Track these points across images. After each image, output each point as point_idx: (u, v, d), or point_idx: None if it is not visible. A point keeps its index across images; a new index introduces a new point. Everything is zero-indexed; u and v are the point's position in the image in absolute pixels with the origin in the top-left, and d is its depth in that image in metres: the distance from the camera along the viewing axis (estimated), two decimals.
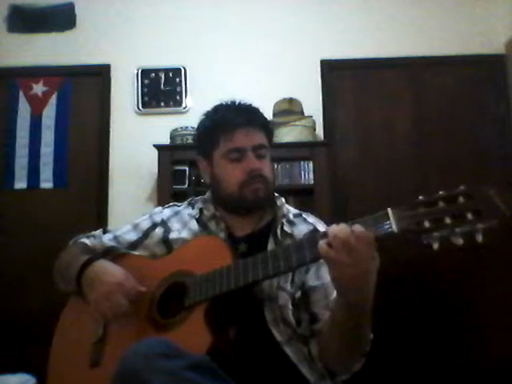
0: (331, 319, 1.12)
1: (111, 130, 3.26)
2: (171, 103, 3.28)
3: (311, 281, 1.26)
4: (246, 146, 1.31)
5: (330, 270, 1.00)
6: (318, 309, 1.23)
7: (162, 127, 3.11)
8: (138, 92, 3.28)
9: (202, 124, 1.41)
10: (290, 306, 1.23)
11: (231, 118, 1.32)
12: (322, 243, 0.98)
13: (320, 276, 1.26)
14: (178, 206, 1.47)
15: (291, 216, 1.37)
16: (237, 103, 1.38)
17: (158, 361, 0.90)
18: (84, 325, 1.31)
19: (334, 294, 1.22)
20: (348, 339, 1.09)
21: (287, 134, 2.89)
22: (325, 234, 1.00)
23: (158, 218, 1.43)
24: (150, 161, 2.96)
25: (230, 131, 1.31)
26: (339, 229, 0.97)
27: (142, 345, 0.96)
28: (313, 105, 3.14)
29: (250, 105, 1.39)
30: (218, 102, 1.42)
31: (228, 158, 1.32)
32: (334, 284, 1.03)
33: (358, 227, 0.95)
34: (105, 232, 1.48)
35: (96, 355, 1.24)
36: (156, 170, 2.92)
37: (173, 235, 1.36)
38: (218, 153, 1.34)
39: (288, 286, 1.24)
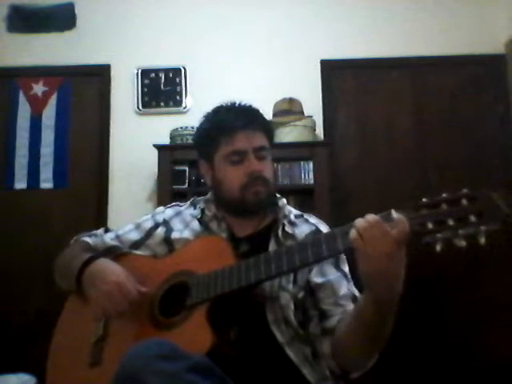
0: (356, 316, 1.10)
1: (111, 129, 3.26)
2: (171, 103, 3.28)
3: (316, 278, 1.26)
4: (247, 148, 1.31)
5: (363, 265, 0.98)
6: (327, 306, 1.22)
7: (162, 127, 3.11)
8: (138, 92, 3.28)
9: (201, 126, 1.41)
10: (292, 307, 1.23)
11: (231, 120, 1.32)
12: (354, 234, 0.96)
13: (324, 273, 1.26)
14: (180, 206, 1.47)
15: (293, 217, 1.37)
16: (237, 105, 1.38)
17: (157, 363, 0.90)
18: (84, 324, 1.31)
19: (343, 289, 1.23)
20: (372, 336, 1.07)
21: (287, 134, 2.89)
22: (351, 228, 0.98)
23: (160, 218, 1.43)
24: (150, 161, 2.96)
25: (230, 133, 1.31)
26: (367, 218, 0.96)
27: (141, 346, 0.96)
28: (313, 105, 3.14)
29: (250, 106, 1.39)
30: (217, 103, 1.41)
31: (229, 161, 1.32)
32: (365, 278, 1.01)
33: (396, 214, 0.94)
34: (106, 231, 1.48)
35: (96, 354, 1.24)
36: (156, 170, 2.92)
37: (175, 235, 1.36)
38: (219, 155, 1.34)
39: (290, 286, 1.24)
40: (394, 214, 0.95)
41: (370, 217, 0.96)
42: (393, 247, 0.94)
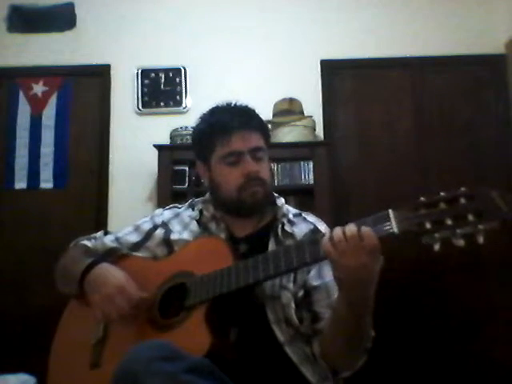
0: (333, 317, 1.13)
1: (111, 129, 3.26)
2: (171, 103, 3.28)
3: (313, 280, 1.26)
4: (243, 149, 1.30)
5: (333, 270, 1.02)
6: (319, 308, 1.23)
7: (162, 127, 3.11)
8: (138, 92, 3.27)
9: (197, 127, 1.41)
10: (293, 305, 1.23)
11: (227, 121, 1.31)
12: (326, 244, 0.99)
13: (322, 275, 1.26)
14: (179, 208, 1.47)
15: (291, 216, 1.37)
16: (232, 105, 1.37)
17: (156, 364, 0.90)
18: (84, 326, 1.31)
19: (336, 292, 1.23)
20: (350, 336, 1.10)
21: (287, 134, 2.89)
22: (329, 235, 1.01)
23: (158, 220, 1.43)
24: (150, 161, 2.96)
25: (226, 135, 1.30)
26: (344, 230, 0.98)
27: (140, 347, 0.96)
28: (313, 105, 3.14)
29: (246, 106, 1.38)
30: (215, 103, 1.41)
31: (225, 162, 1.31)
32: (337, 282, 1.05)
33: (363, 228, 0.97)
34: (106, 234, 1.48)
35: (96, 356, 1.24)
36: (156, 170, 2.92)
37: (174, 236, 1.36)
38: (215, 157, 1.33)
39: (291, 285, 1.24)
40: (366, 229, 0.97)
41: (348, 229, 0.98)
42: (364, 259, 0.96)
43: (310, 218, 1.39)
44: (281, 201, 1.40)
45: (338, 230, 0.99)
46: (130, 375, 0.91)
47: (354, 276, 0.98)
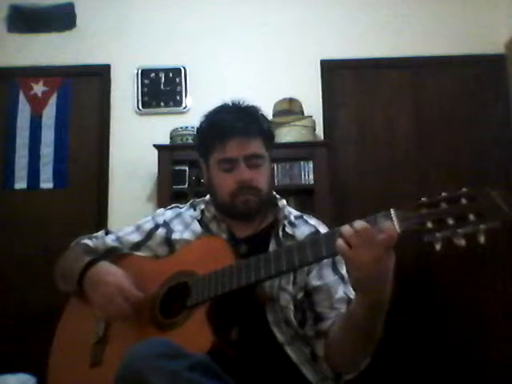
0: (347, 317, 1.12)
1: (111, 130, 3.25)
2: (171, 103, 3.27)
3: (314, 281, 1.26)
4: (238, 157, 1.29)
5: (352, 271, 1.00)
6: (322, 309, 1.23)
7: (162, 127, 3.11)
8: (138, 92, 3.27)
9: (200, 127, 1.40)
10: (292, 307, 1.23)
11: (225, 126, 1.30)
12: (340, 243, 0.98)
13: (322, 276, 1.27)
14: (180, 208, 1.47)
15: (292, 218, 1.37)
16: (237, 107, 1.36)
17: (159, 361, 0.91)
18: (85, 325, 1.31)
19: (339, 293, 1.23)
20: (363, 337, 1.09)
21: (287, 134, 2.89)
22: (339, 234, 0.99)
23: (160, 220, 1.43)
24: (150, 161, 2.96)
25: (222, 140, 1.29)
26: (354, 226, 0.97)
27: (143, 345, 0.96)
28: (313, 105, 3.14)
29: (252, 107, 1.37)
30: (217, 103, 1.40)
31: (220, 168, 1.31)
32: (355, 284, 1.04)
33: (386, 223, 0.95)
34: (107, 233, 1.48)
35: (96, 355, 1.25)
36: (156, 170, 2.92)
37: (175, 236, 1.37)
38: (212, 159, 1.34)
39: (289, 287, 1.24)
40: (384, 221, 0.95)
41: (357, 224, 0.97)
42: (380, 252, 0.95)
43: (312, 220, 1.39)
44: (282, 202, 1.39)
45: (346, 227, 0.99)
46: (132, 372, 0.91)
47: (370, 272, 0.96)
